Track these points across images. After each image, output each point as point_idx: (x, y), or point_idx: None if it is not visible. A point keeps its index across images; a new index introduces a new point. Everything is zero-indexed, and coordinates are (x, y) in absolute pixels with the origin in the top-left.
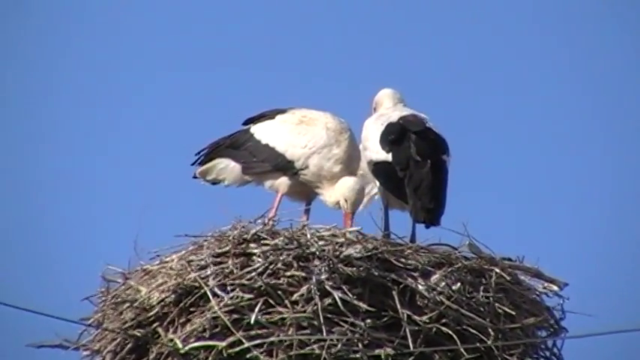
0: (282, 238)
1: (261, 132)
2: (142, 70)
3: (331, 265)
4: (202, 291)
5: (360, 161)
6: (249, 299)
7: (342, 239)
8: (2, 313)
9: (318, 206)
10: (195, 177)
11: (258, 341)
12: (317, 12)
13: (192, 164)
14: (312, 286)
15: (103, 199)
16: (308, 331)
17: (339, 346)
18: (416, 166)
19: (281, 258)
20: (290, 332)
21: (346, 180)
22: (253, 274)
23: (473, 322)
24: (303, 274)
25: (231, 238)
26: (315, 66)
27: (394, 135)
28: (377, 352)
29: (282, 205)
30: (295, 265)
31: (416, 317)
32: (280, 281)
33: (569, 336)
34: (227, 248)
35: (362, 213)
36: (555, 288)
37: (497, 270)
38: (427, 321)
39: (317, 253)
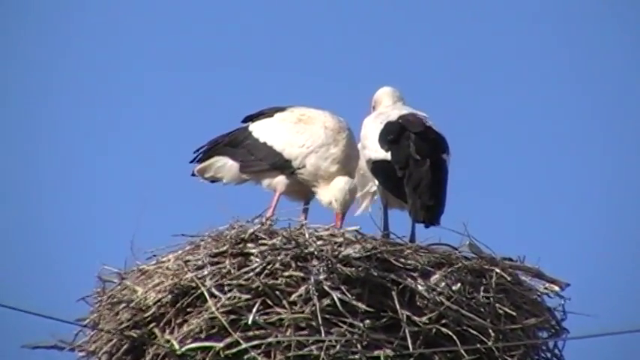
0: (280, 238)
1: (260, 130)
2: (141, 70)
3: (330, 265)
4: (199, 291)
5: (359, 160)
6: (247, 300)
7: (341, 239)
8: None
9: (316, 206)
10: (193, 175)
11: (255, 342)
12: (317, 12)
13: (191, 162)
14: (310, 287)
15: (100, 198)
16: (306, 332)
17: (338, 347)
18: (415, 164)
19: (279, 258)
20: (288, 333)
21: (338, 180)
22: (251, 274)
23: (473, 323)
24: (302, 275)
25: (228, 237)
26: (315, 66)
27: (393, 134)
28: (376, 353)
29: (280, 204)
30: (293, 265)
31: (415, 318)
32: (278, 281)
33: (570, 337)
34: (224, 248)
35: (362, 213)
36: (556, 288)
37: (498, 270)
38: (427, 322)
39: (315, 253)
